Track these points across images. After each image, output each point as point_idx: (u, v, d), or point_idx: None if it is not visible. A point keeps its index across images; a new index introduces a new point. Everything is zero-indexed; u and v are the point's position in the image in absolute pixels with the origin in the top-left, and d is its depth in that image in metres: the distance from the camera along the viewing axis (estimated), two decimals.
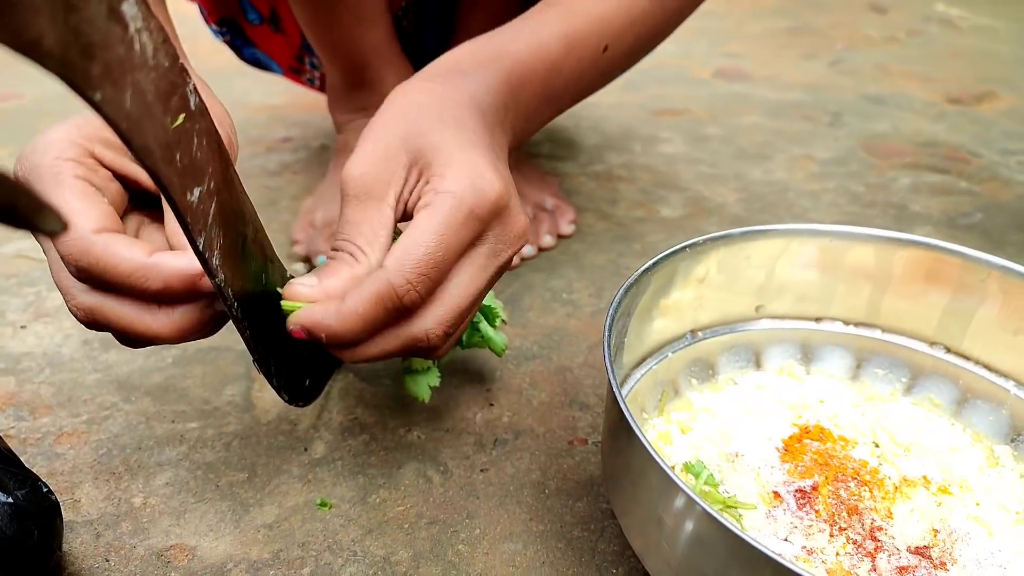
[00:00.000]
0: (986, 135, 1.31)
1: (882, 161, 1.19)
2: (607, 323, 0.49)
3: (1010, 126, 1.35)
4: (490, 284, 0.49)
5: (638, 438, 0.41)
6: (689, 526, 0.40)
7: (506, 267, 0.50)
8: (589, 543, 0.56)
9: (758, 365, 0.64)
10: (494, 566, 0.54)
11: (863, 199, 1.07)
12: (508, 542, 0.56)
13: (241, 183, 0.44)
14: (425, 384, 0.62)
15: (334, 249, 0.47)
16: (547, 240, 0.93)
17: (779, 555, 0.35)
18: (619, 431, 0.44)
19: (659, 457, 0.40)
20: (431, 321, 0.46)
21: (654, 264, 0.56)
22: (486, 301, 0.63)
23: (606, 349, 0.47)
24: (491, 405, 0.69)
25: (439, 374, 0.62)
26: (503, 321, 0.63)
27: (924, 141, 1.26)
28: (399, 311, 0.44)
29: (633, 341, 0.57)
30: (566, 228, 0.95)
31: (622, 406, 0.43)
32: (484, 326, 0.63)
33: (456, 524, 0.58)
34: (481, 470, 0.63)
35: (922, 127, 1.33)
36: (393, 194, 0.46)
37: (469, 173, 0.45)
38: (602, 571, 0.54)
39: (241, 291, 0.44)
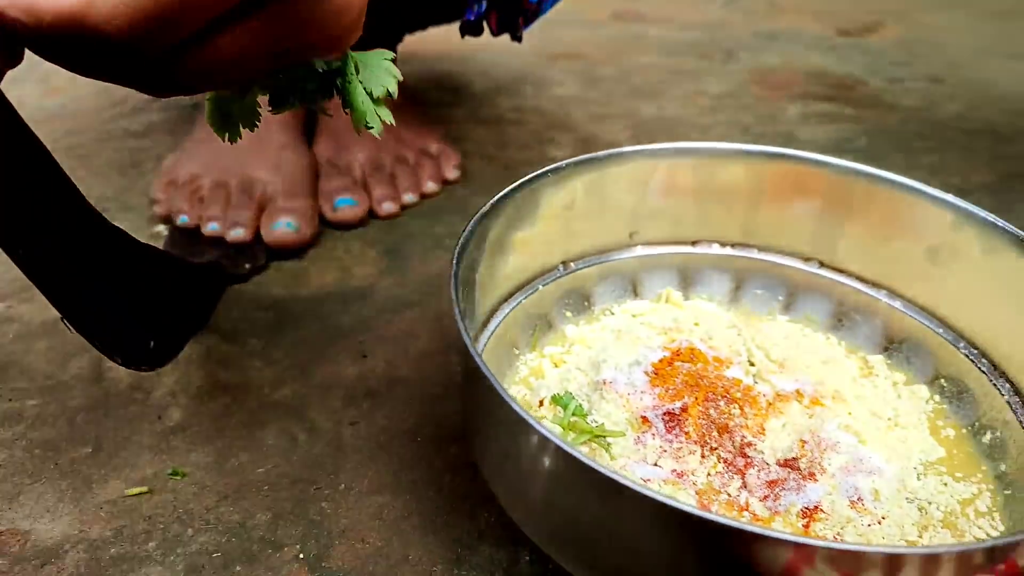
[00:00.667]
0: (874, 64, 1.31)
1: (772, 93, 1.18)
2: (455, 257, 0.46)
3: (897, 55, 1.36)
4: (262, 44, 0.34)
5: (484, 376, 0.38)
6: (544, 463, 0.37)
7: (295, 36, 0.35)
8: (461, 488, 0.53)
9: (636, 294, 0.62)
10: (360, 521, 0.51)
11: (753, 130, 1.06)
12: (376, 495, 0.53)
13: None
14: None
15: None
16: (430, 186, 0.88)
17: (625, 478, 0.33)
18: (468, 372, 0.41)
19: (505, 393, 0.37)
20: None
21: (511, 192, 0.52)
22: (371, 58, 0.43)
23: (454, 284, 0.44)
24: (364, 357, 0.65)
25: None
26: (389, 94, 0.44)
27: (813, 72, 1.26)
28: None
29: (496, 275, 0.54)
30: (451, 173, 0.91)
31: (467, 343, 0.40)
32: (355, 88, 0.43)
33: (320, 481, 0.54)
34: (350, 424, 0.59)
35: (812, 59, 1.33)
36: None
37: None
38: (474, 515, 0.51)
39: (36, 249, 0.39)
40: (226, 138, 0.43)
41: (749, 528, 0.31)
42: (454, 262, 0.45)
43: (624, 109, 1.14)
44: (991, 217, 0.50)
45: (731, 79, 1.24)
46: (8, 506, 0.52)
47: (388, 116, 0.44)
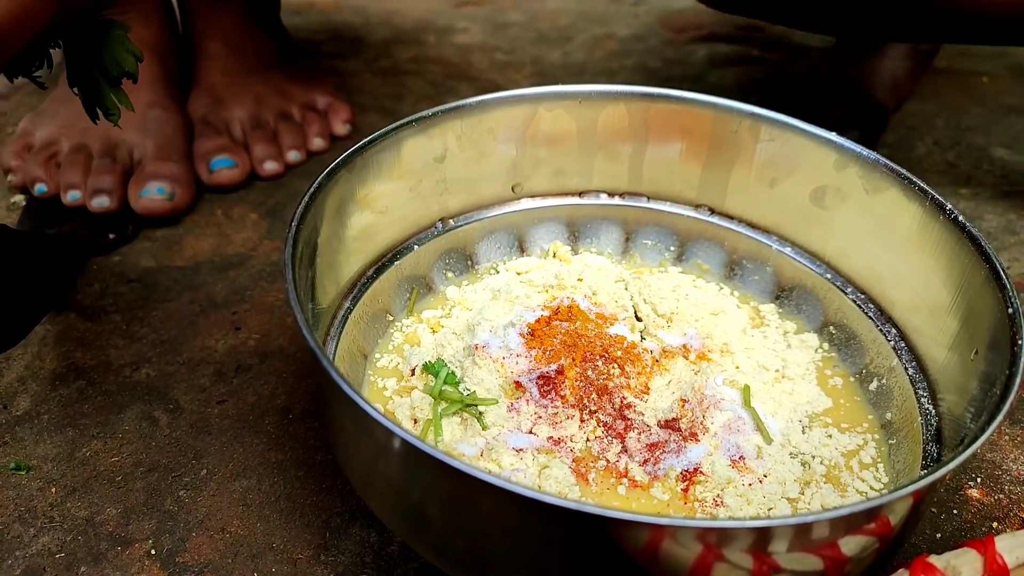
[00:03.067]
0: None
1: (680, 35, 1.15)
2: (295, 216, 0.42)
3: None
4: None
5: (319, 358, 0.34)
6: (382, 448, 0.34)
7: None
8: (332, 467, 0.50)
9: (523, 250, 0.59)
10: (221, 508, 0.47)
11: (660, 74, 1.03)
12: (241, 478, 0.49)
13: None
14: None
15: None
16: (318, 143, 0.83)
17: (460, 461, 0.30)
18: (308, 352, 0.37)
19: (341, 379, 0.33)
20: None
21: (369, 143, 0.48)
22: (105, 32, 0.42)
23: (289, 246, 0.40)
24: (237, 329, 0.61)
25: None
26: (127, 74, 0.42)
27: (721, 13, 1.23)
28: None
29: (362, 237, 0.50)
30: (340, 128, 0.86)
31: (297, 316, 0.36)
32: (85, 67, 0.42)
33: (180, 468, 0.50)
34: (218, 402, 0.54)
35: None
36: None
37: None
38: (344, 495, 0.48)
39: None
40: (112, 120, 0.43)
41: (574, 507, 0.29)
42: (292, 225, 0.41)
43: (529, 56, 1.09)
44: (872, 155, 0.48)
45: (639, 22, 1.21)
46: None
47: (127, 101, 0.41)
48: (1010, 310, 0.37)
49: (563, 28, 1.19)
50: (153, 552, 0.45)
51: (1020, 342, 0.35)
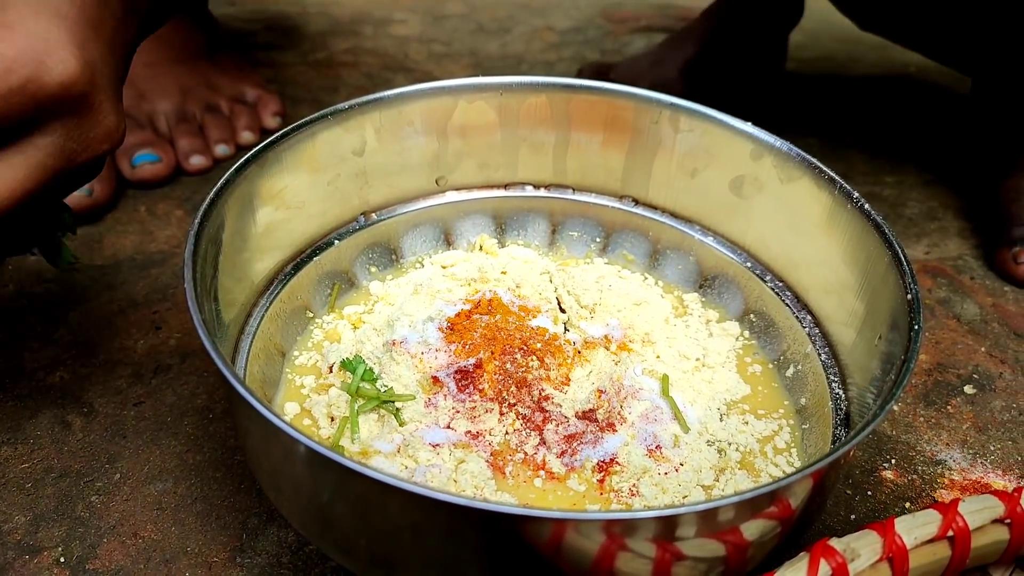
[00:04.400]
0: None
1: (618, 26, 1.15)
2: (199, 214, 0.41)
3: None
4: (44, 183, 0.38)
5: (216, 361, 0.33)
6: (282, 453, 0.33)
7: (77, 168, 0.39)
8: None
9: (449, 243, 0.58)
10: (134, 513, 0.46)
11: None
12: (156, 482, 0.48)
13: None
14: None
15: None
16: (246, 136, 0.81)
17: (353, 461, 0.29)
18: (222, 379, 0.36)
19: (241, 385, 0.32)
20: None
21: (281, 138, 0.47)
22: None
23: (190, 244, 0.39)
24: (158, 329, 0.59)
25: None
26: (70, 231, 0.48)
27: (660, 4, 1.23)
28: None
29: (276, 232, 0.49)
30: (270, 121, 0.84)
31: (200, 331, 0.35)
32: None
33: (92, 473, 0.48)
34: (135, 404, 0.53)
35: None
36: None
37: (36, 44, 0.36)
38: (262, 495, 0.47)
39: None
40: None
41: (469, 504, 0.29)
42: (195, 225, 0.39)
43: (467, 47, 1.08)
44: (786, 146, 0.48)
45: (579, 13, 1.21)
46: None
47: (68, 252, 0.48)
48: (909, 296, 0.38)
49: (502, 20, 1.19)
50: (62, 560, 0.43)
51: (916, 327, 0.36)
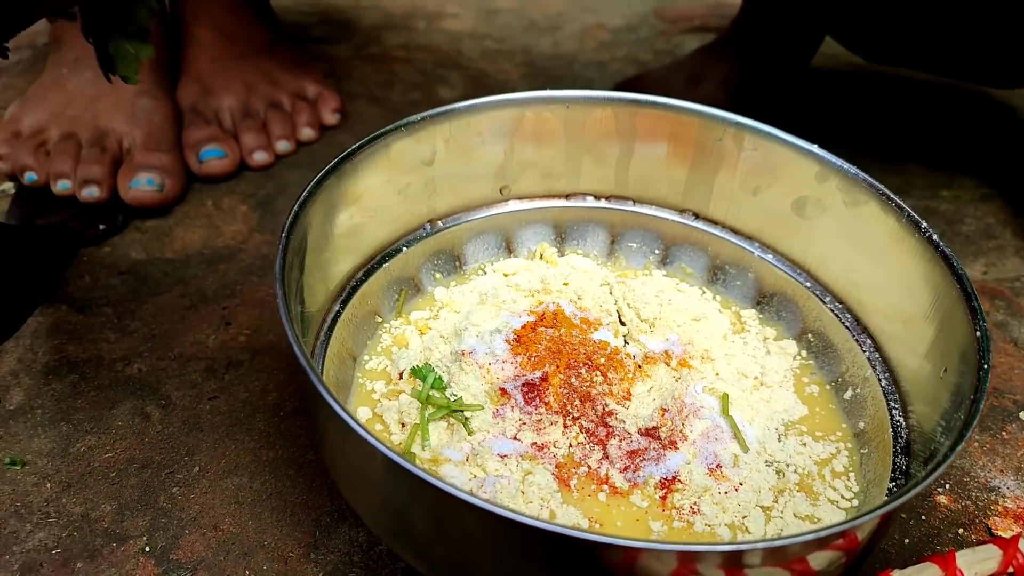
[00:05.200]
0: None
1: (671, 26, 1.15)
2: (285, 227, 0.42)
3: None
4: None
5: (310, 377, 0.35)
6: (368, 464, 0.35)
7: None
8: (321, 465, 0.51)
9: (510, 251, 0.60)
10: (213, 506, 0.48)
11: (650, 67, 1.03)
12: (232, 476, 0.50)
13: None
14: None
15: None
16: (307, 132, 0.83)
17: (441, 480, 0.31)
18: (297, 368, 0.38)
19: (332, 397, 0.34)
20: None
21: (359, 148, 0.49)
22: None
23: (280, 258, 0.40)
24: (228, 324, 0.62)
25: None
26: (144, 28, 0.43)
27: (714, 2, 1.23)
28: None
29: (352, 239, 0.51)
30: (330, 118, 0.86)
31: (290, 336, 0.37)
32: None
33: (172, 464, 0.51)
34: (210, 399, 0.55)
35: None
36: None
37: None
38: (334, 495, 0.49)
39: None
40: (123, 79, 0.42)
41: (546, 527, 0.30)
42: (283, 238, 0.41)
43: (519, 44, 1.09)
44: (853, 169, 0.49)
45: (631, 10, 1.21)
46: None
47: (144, 50, 0.42)
48: (978, 333, 0.38)
49: (553, 16, 1.19)
50: (147, 549, 0.46)
51: (986, 366, 0.36)
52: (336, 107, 0.87)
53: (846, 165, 0.49)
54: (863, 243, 0.49)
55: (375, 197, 0.51)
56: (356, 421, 0.33)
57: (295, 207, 0.43)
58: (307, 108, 0.85)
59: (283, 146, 0.81)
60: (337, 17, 1.14)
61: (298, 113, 0.84)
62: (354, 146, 0.49)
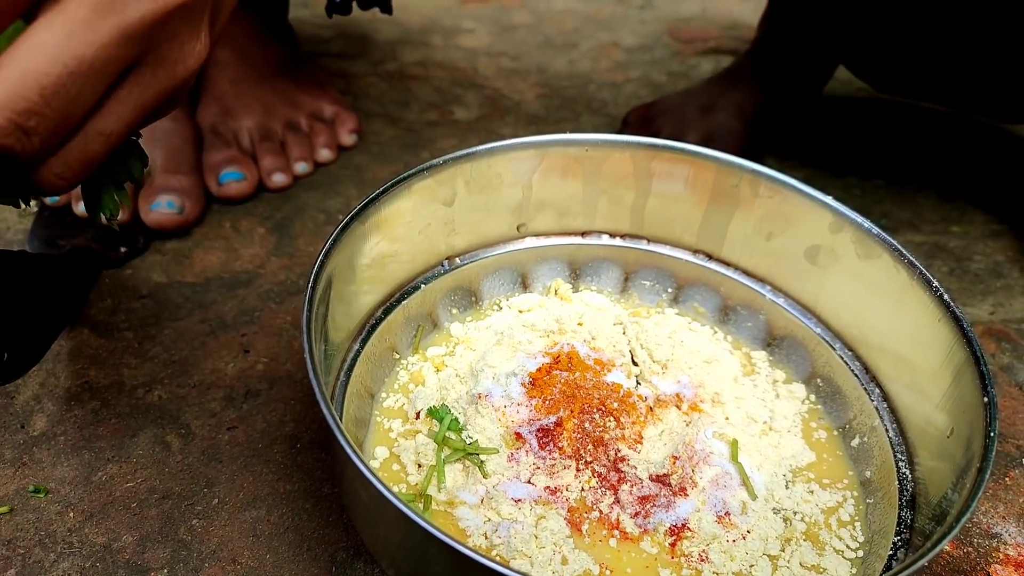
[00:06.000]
0: None
1: (686, 47, 1.16)
2: (312, 277, 0.43)
3: None
4: (107, 57, 0.32)
5: (336, 435, 0.36)
6: (375, 505, 0.36)
7: (144, 38, 0.33)
8: (339, 500, 0.52)
9: (525, 287, 0.61)
10: (232, 539, 0.50)
11: (664, 89, 1.04)
12: (251, 508, 0.51)
13: None
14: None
15: None
16: (324, 154, 0.84)
17: (460, 543, 0.32)
18: (323, 422, 0.39)
19: (352, 448, 0.35)
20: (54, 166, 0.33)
21: (383, 192, 0.50)
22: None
23: (305, 312, 0.41)
24: (246, 352, 0.63)
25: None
26: (133, 179, 0.44)
27: (729, 24, 1.23)
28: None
29: (372, 279, 0.52)
30: (347, 139, 0.87)
31: (318, 393, 0.38)
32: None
33: (192, 496, 0.52)
34: (228, 428, 0.57)
35: (730, 7, 1.30)
36: None
37: None
38: (350, 530, 0.50)
39: None
40: (104, 219, 0.43)
41: None
42: (308, 290, 0.42)
43: (535, 63, 1.10)
44: (867, 223, 0.49)
45: (646, 29, 1.21)
46: None
47: (127, 199, 0.44)
48: (985, 399, 0.39)
49: (569, 33, 1.20)
50: None
51: (992, 434, 0.37)
52: (353, 128, 0.88)
53: (859, 218, 0.50)
54: (875, 294, 0.50)
55: (396, 237, 0.52)
56: (375, 474, 0.34)
57: (320, 257, 0.44)
58: (325, 129, 0.86)
59: (301, 168, 0.82)
60: (354, 31, 1.15)
61: (316, 134, 0.85)
62: (378, 190, 0.50)
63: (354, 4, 0.83)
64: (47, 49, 0.30)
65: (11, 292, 0.53)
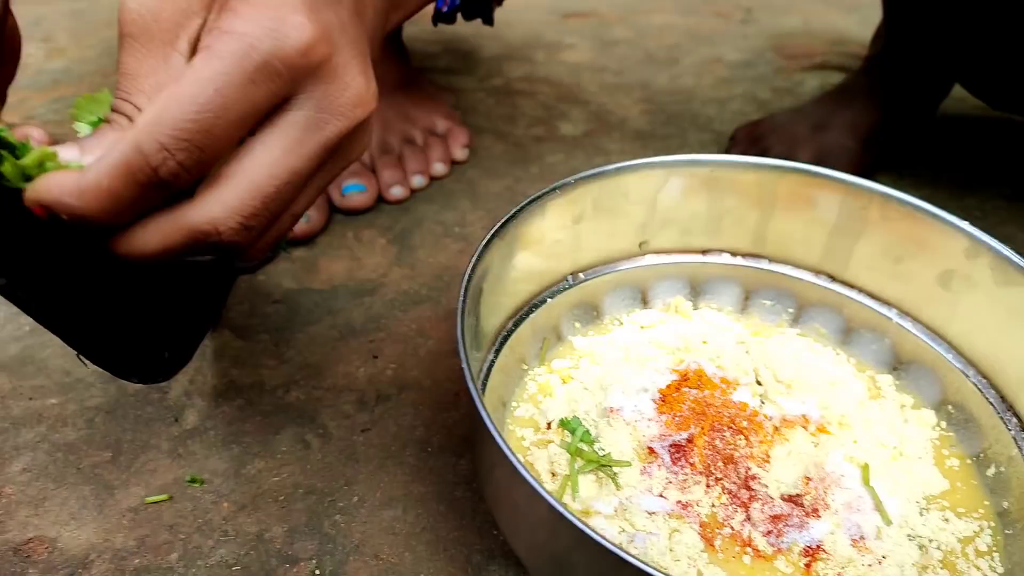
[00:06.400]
0: None
1: (791, 62, 1.15)
2: (462, 295, 0.46)
3: None
4: (313, 166, 0.37)
5: (489, 432, 0.38)
6: (538, 514, 0.38)
7: (338, 145, 0.38)
8: (471, 504, 0.54)
9: (645, 303, 0.62)
10: (373, 535, 0.53)
11: (769, 106, 1.04)
12: (388, 508, 0.54)
13: None
14: None
15: (112, 111, 0.36)
16: (439, 168, 0.88)
17: (620, 548, 0.34)
18: (474, 420, 0.41)
19: (507, 448, 0.37)
20: (218, 207, 0.35)
21: (519, 211, 0.52)
22: None
23: (460, 323, 0.44)
24: (375, 358, 0.66)
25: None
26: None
27: (834, 38, 1.22)
28: (158, 187, 0.34)
29: (505, 293, 0.54)
30: (459, 153, 0.90)
31: (475, 397, 0.40)
32: None
33: (334, 492, 0.55)
34: (362, 430, 0.60)
35: (834, 21, 1.29)
36: (186, 39, 0.36)
37: (271, 15, 0.34)
38: (483, 533, 0.53)
39: (37, 287, 0.39)
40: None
41: None
42: (460, 304, 0.45)
43: (637, 78, 1.11)
44: (1006, 250, 0.49)
45: (748, 44, 1.21)
46: (35, 512, 0.54)
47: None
48: None
49: (670, 47, 1.21)
50: (317, 572, 0.50)
51: None
52: (465, 143, 0.91)
53: (998, 244, 0.50)
54: (1013, 323, 0.50)
55: (528, 255, 0.55)
56: (531, 474, 0.37)
57: (467, 272, 0.47)
58: (439, 144, 0.89)
59: (418, 181, 0.85)
60: (460, 47, 1.18)
61: (430, 149, 0.88)
62: (516, 208, 0.52)
63: (458, 15, 0.86)
64: (268, 166, 0.36)
65: (171, 296, 0.57)
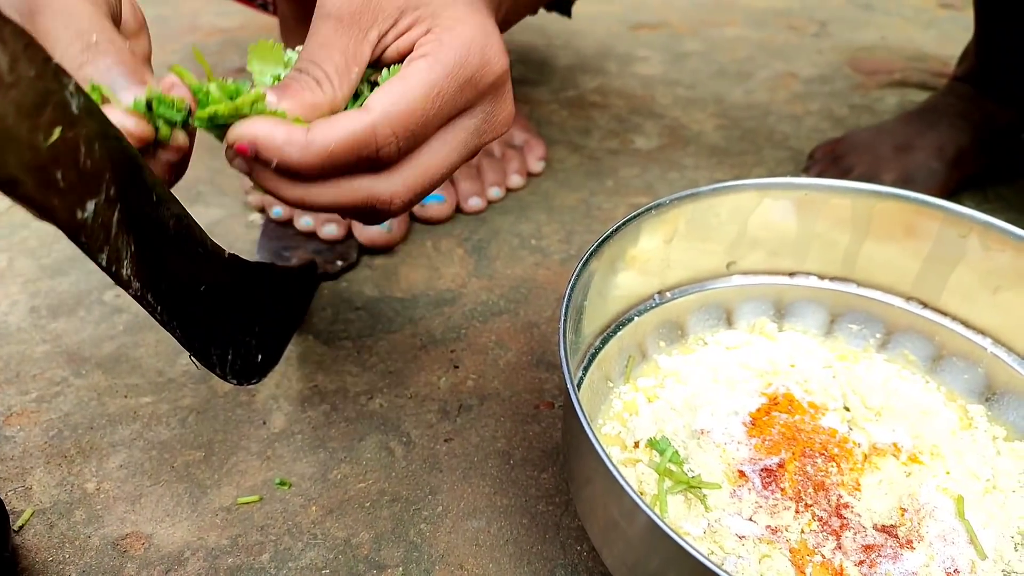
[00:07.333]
0: None
1: (868, 78, 1.13)
2: (562, 315, 0.46)
3: None
4: (463, 161, 0.45)
5: (590, 441, 0.39)
6: (635, 528, 0.38)
7: (479, 148, 0.46)
8: (553, 518, 0.55)
9: (730, 323, 0.62)
10: (457, 545, 0.54)
11: (846, 123, 1.02)
12: (472, 519, 0.55)
13: (153, 169, 0.39)
14: None
15: (296, 69, 0.40)
16: (515, 180, 0.88)
17: (712, 562, 0.34)
18: (573, 429, 0.42)
19: (610, 461, 0.38)
20: (401, 184, 0.42)
21: (615, 231, 0.52)
22: None
23: (562, 340, 0.44)
24: (456, 367, 0.67)
25: None
26: None
27: (912, 54, 1.20)
28: (371, 161, 0.40)
29: (594, 313, 0.54)
30: (535, 166, 0.91)
31: (577, 410, 0.41)
32: None
33: (418, 501, 0.56)
34: (445, 440, 0.61)
35: (911, 36, 1.26)
36: (376, 33, 0.41)
37: (481, 37, 0.41)
38: (566, 548, 0.53)
39: (165, 292, 0.41)
40: None
41: None
42: (562, 317, 0.45)
43: (710, 92, 1.11)
44: None
45: (823, 58, 1.20)
46: (131, 508, 0.56)
47: None
48: None
49: (742, 61, 1.20)
50: None
51: None
52: (541, 155, 0.92)
53: None
54: None
55: (620, 273, 0.55)
56: (631, 487, 0.37)
57: (568, 291, 0.47)
58: (516, 156, 0.90)
59: (495, 192, 0.86)
60: (533, 57, 1.19)
61: (507, 161, 0.89)
62: (612, 228, 0.52)
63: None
64: (442, 158, 0.43)
65: (264, 299, 0.59)
